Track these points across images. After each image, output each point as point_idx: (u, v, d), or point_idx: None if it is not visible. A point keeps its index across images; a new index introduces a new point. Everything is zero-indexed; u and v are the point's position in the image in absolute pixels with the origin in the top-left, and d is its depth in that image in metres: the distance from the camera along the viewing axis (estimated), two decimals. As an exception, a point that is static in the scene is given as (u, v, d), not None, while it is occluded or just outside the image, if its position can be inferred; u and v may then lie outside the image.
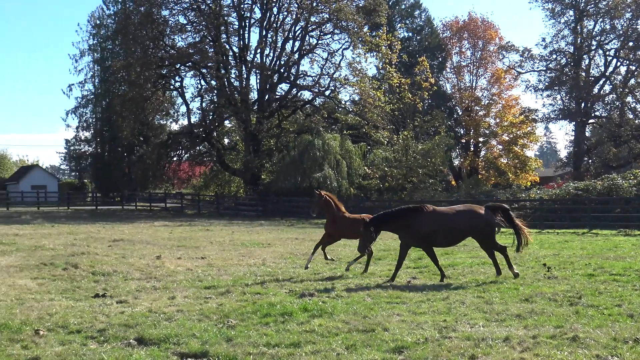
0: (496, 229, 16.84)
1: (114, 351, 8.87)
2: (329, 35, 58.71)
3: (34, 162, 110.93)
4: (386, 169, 50.93)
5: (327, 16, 56.43)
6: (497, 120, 63.86)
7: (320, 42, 58.98)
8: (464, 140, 66.32)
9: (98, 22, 79.68)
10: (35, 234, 28.90)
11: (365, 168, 51.01)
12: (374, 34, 58.75)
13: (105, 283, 15.22)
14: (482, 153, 65.93)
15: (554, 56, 65.45)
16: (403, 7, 71.47)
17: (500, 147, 64.20)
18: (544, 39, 65.52)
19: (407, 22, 70.80)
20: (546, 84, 65.73)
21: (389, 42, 56.57)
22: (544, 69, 66.23)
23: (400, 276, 15.64)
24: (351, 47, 57.25)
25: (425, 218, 15.26)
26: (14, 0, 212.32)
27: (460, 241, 16.41)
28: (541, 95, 67.17)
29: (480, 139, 65.00)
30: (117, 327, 10.23)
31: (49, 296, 13.31)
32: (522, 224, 15.97)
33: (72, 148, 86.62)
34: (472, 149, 65.99)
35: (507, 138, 62.76)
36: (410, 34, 71.10)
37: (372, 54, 59.33)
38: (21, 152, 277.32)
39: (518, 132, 62.11)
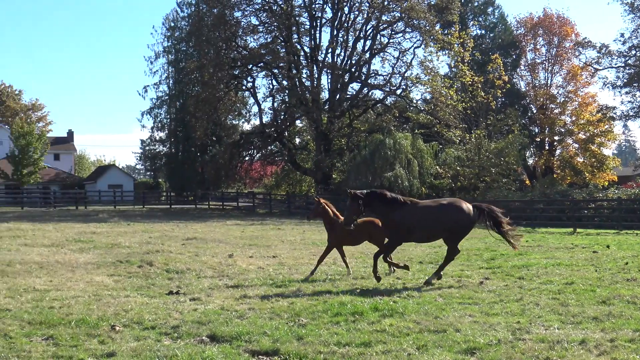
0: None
1: (187, 347, 9.00)
2: (401, 34, 58.58)
3: (111, 162, 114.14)
4: (458, 168, 50.28)
5: (399, 15, 56.25)
6: (573, 118, 62.49)
7: (391, 40, 58.95)
8: (538, 139, 65.09)
9: (172, 24, 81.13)
10: (112, 232, 29.57)
11: (437, 167, 50.42)
12: (446, 32, 58.30)
13: (178, 280, 15.46)
14: (558, 152, 64.57)
15: (633, 52, 63.50)
16: (476, 4, 70.72)
17: (576, 145, 62.76)
18: (622, 35, 63.56)
19: (480, 19, 70.05)
20: (625, 80, 63.78)
21: (461, 40, 55.91)
22: (623, 65, 64.28)
23: (473, 276, 15.43)
24: (423, 46, 57.07)
25: (407, 211, 14.64)
26: (93, 5, 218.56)
27: (440, 238, 15.42)
28: (619, 92, 65.13)
29: (556, 138, 63.72)
30: (190, 324, 10.38)
31: (125, 293, 13.59)
32: (508, 228, 15.17)
33: (147, 148, 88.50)
34: (547, 147, 64.71)
35: (583, 136, 61.35)
36: (483, 32, 70.42)
37: (444, 52, 58.95)
38: (99, 152, 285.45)
39: (595, 130, 60.65)
